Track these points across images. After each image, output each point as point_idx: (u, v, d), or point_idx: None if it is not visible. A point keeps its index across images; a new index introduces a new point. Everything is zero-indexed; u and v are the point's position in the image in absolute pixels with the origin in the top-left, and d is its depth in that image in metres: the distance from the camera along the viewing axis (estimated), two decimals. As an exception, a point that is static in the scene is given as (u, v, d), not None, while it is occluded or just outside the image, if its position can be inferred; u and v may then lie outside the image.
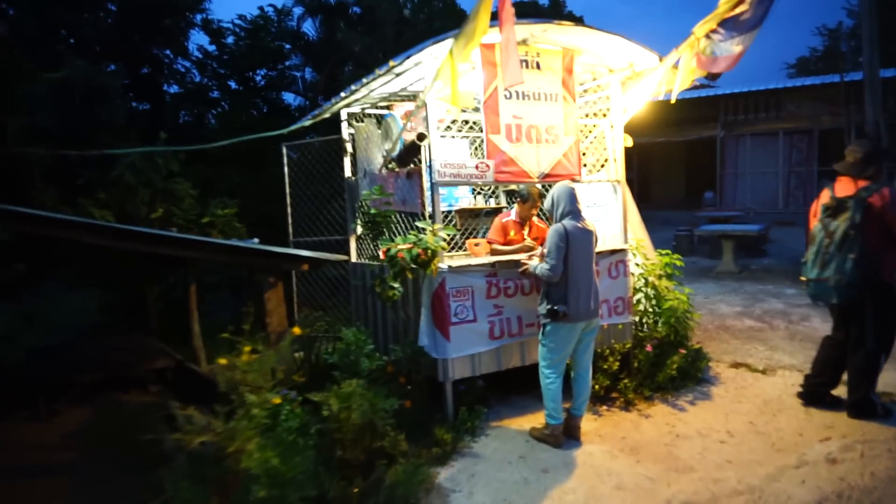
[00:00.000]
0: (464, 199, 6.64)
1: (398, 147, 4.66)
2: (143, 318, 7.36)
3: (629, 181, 5.27)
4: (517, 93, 4.51)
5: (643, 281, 5.30)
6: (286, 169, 6.66)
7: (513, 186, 6.29)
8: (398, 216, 4.95)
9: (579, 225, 3.96)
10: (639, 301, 5.28)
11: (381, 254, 4.34)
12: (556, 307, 3.88)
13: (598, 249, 4.25)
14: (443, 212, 6.52)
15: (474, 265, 4.40)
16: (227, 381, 2.86)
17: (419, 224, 4.17)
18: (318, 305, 7.29)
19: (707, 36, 4.34)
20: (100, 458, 4.27)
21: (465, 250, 6.05)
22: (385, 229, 4.44)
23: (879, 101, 9.49)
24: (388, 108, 5.69)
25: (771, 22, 4.18)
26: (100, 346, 7.25)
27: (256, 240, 5.19)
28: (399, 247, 4.01)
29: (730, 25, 4.22)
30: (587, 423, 4.33)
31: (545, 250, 4.00)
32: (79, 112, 6.33)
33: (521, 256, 4.46)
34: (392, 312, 4.97)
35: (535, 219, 5.22)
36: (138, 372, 6.34)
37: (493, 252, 4.97)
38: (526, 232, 5.15)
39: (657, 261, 5.44)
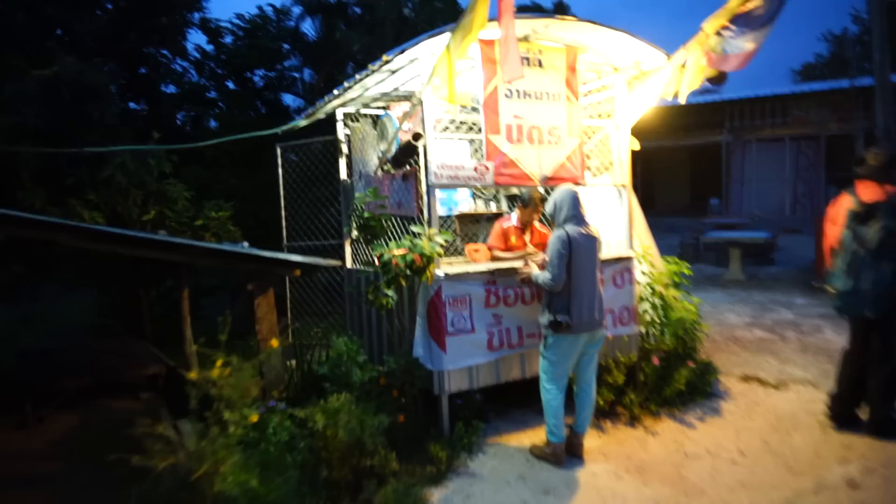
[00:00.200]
0: (463, 203, 6.44)
1: (394, 148, 4.45)
2: (139, 321, 7.20)
3: (633, 187, 5.05)
4: (518, 91, 4.30)
5: (650, 290, 5.06)
6: (280, 170, 6.47)
7: (514, 190, 6.08)
8: (394, 220, 4.74)
9: (583, 231, 3.75)
10: (645, 311, 5.05)
11: (374, 259, 4.12)
12: (558, 317, 3.65)
13: (602, 257, 4.03)
14: (441, 216, 6.36)
15: (472, 272, 4.18)
16: (202, 396, 2.64)
17: (414, 229, 3.96)
18: (315, 311, 7.09)
19: (717, 33, 4.12)
20: (79, 472, 4.07)
21: (464, 256, 5.85)
22: (379, 234, 4.23)
23: (891, 105, 9.26)
24: (386, 108, 5.49)
25: (776, 27, 3.96)
26: (90, 351, 7.08)
27: (246, 244, 4.97)
28: (393, 252, 3.79)
29: (741, 21, 4.00)
30: (591, 440, 4.10)
31: (546, 257, 3.79)
32: (68, 110, 6.15)
33: (522, 264, 4.24)
34: (387, 321, 4.76)
35: (536, 224, 5.00)
36: (129, 378, 6.17)
37: (494, 259, 4.75)
38: (527, 237, 4.93)
39: (664, 269, 5.21)
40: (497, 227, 4.96)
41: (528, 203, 4.78)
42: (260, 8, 10.40)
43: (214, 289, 9.03)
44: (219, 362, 2.75)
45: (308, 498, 2.97)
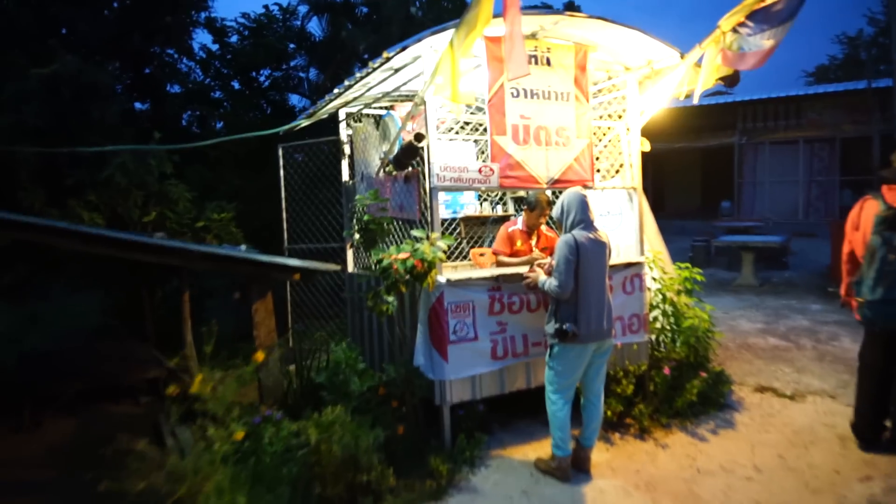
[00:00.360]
0: (469, 205, 6.30)
1: (396, 149, 4.30)
2: (142, 323, 7.12)
3: (643, 189, 4.87)
4: (525, 91, 4.14)
5: (660, 297, 4.89)
6: (282, 171, 6.34)
7: (521, 192, 5.93)
8: (395, 224, 4.60)
9: (591, 236, 3.58)
10: (655, 318, 4.88)
11: (374, 264, 3.98)
12: (564, 326, 3.49)
13: (611, 262, 3.86)
14: (447, 219, 6.22)
15: (475, 278, 4.03)
16: (182, 412, 2.51)
17: (415, 233, 3.81)
18: (319, 314, 6.96)
19: (734, 30, 3.95)
20: (67, 484, 3.95)
21: (470, 260, 5.70)
22: (379, 238, 4.08)
23: (910, 107, 9.01)
24: (390, 108, 5.34)
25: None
26: (91, 354, 7.00)
27: (244, 247, 4.85)
28: (393, 257, 3.64)
29: (759, 18, 3.82)
30: (598, 454, 3.94)
31: (553, 263, 3.62)
32: (68, 109, 6.05)
33: (528, 269, 4.07)
34: (387, 328, 4.61)
35: (543, 227, 4.84)
36: (129, 382, 6.09)
37: (499, 264, 4.59)
38: (534, 242, 4.77)
39: (675, 275, 5.03)
40: (502, 231, 4.80)
41: (534, 206, 4.62)
42: (266, 7, 10.32)
43: (220, 290, 8.95)
44: (198, 378, 2.61)
45: (300, 515, 2.83)
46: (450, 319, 3.87)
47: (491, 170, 4.02)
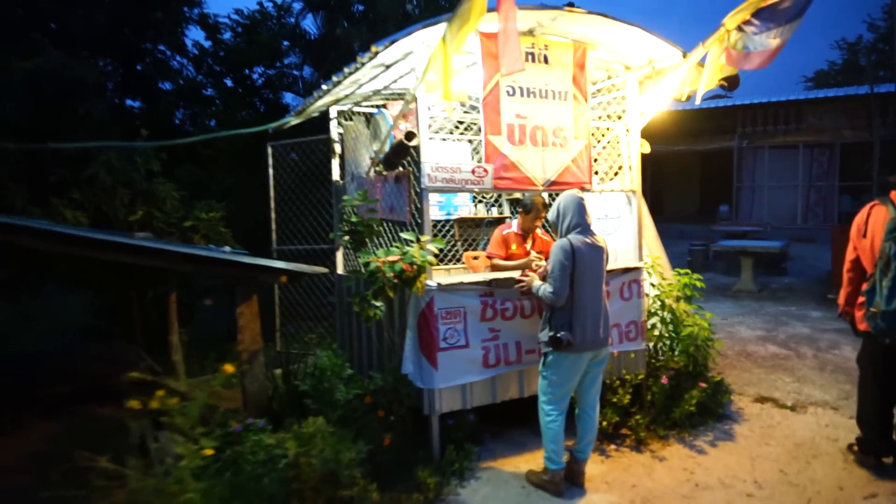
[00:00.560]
0: (463, 207, 6.15)
1: (387, 148, 4.15)
2: (131, 324, 6.98)
3: (642, 192, 4.73)
4: (521, 89, 3.99)
5: (659, 303, 4.75)
6: (271, 170, 6.18)
7: (517, 194, 5.78)
8: (385, 226, 4.44)
9: (588, 240, 3.43)
10: (654, 326, 4.73)
11: (361, 267, 3.83)
12: (559, 334, 3.34)
13: (609, 267, 3.72)
14: (440, 221, 6.07)
15: (467, 283, 3.87)
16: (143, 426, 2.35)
17: (404, 235, 3.66)
18: (310, 315, 6.80)
19: (739, 28, 3.80)
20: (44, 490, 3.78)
21: (464, 263, 5.55)
22: (368, 240, 3.93)
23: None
24: (383, 107, 5.19)
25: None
26: (76, 355, 6.85)
27: (227, 248, 4.69)
28: (381, 260, 3.49)
29: (766, 16, 3.68)
30: (593, 466, 3.79)
31: (548, 268, 3.47)
32: (52, 105, 5.88)
33: (519, 274, 3.92)
34: (375, 334, 4.46)
35: (538, 231, 4.69)
36: (115, 384, 5.93)
37: (494, 267, 4.44)
38: (529, 245, 4.61)
39: (675, 280, 4.89)
40: (497, 233, 4.65)
41: (529, 209, 4.47)
42: (260, 3, 10.15)
43: (213, 290, 8.78)
44: (159, 392, 2.45)
45: (278, 533, 2.67)
46: (440, 326, 3.71)
47: (485, 170, 3.87)
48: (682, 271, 4.91)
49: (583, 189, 4.18)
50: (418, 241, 3.60)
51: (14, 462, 4.39)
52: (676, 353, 4.66)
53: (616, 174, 4.81)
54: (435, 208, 5.91)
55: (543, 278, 3.57)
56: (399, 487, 3.41)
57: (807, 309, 8.49)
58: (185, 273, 6.16)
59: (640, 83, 4.69)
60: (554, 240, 3.65)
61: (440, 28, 3.30)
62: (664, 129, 10.56)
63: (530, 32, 4.07)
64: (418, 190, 3.79)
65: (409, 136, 3.70)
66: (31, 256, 6.31)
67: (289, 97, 10.62)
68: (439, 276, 4.02)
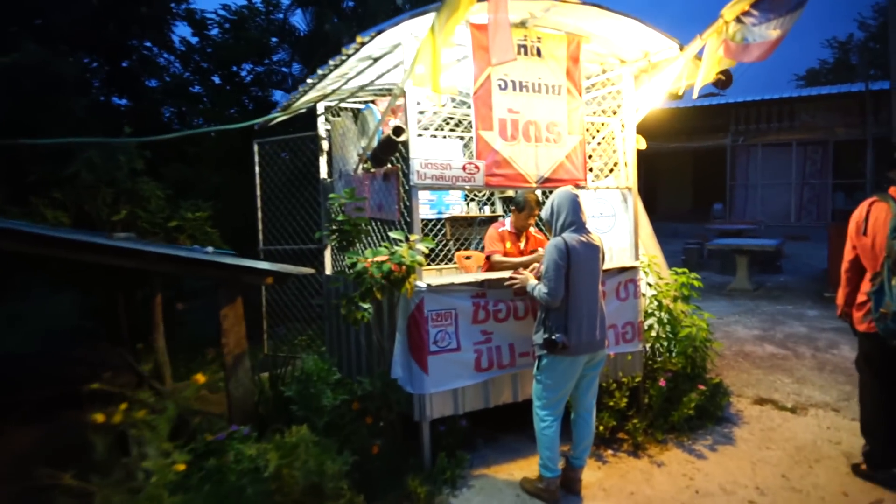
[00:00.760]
0: (455, 205, 6.02)
1: (374, 144, 4.01)
2: (117, 326, 6.80)
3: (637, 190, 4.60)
4: (513, 83, 3.86)
5: (656, 304, 4.62)
6: (257, 168, 6.02)
7: (510, 192, 5.65)
8: (374, 225, 4.30)
9: (583, 239, 3.30)
10: (651, 327, 4.60)
11: (347, 268, 3.68)
12: (554, 337, 3.21)
13: (604, 267, 3.59)
14: (432, 220, 5.93)
15: (458, 284, 3.73)
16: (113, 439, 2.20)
17: (393, 234, 3.52)
18: (301, 317, 6.65)
19: (738, 19, 3.67)
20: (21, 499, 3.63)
21: (456, 264, 5.41)
22: (355, 239, 3.78)
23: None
24: (372, 103, 5.04)
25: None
26: (61, 358, 6.69)
27: (210, 248, 4.53)
28: (368, 261, 3.34)
29: (766, 6, 3.55)
30: (589, 472, 3.66)
31: (542, 268, 3.34)
32: (31, 102, 5.69)
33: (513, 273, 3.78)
34: (364, 337, 4.31)
35: (532, 229, 4.56)
36: (99, 388, 5.76)
37: (495, 265, 4.29)
38: (522, 244, 4.48)
39: (672, 280, 4.77)
40: (492, 231, 4.50)
41: (522, 207, 4.34)
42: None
43: (203, 291, 8.61)
44: (122, 406, 2.30)
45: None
46: (430, 328, 3.57)
47: (476, 167, 3.74)
48: (679, 270, 4.79)
49: (577, 186, 4.06)
50: (407, 240, 3.46)
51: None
52: (674, 354, 4.54)
53: (611, 171, 4.68)
54: (426, 207, 5.78)
55: (538, 278, 3.44)
56: (388, 497, 3.28)
57: (803, 307, 8.40)
58: (169, 274, 6.01)
59: (635, 77, 4.57)
60: (548, 238, 3.52)
61: (429, 18, 3.16)
62: (657, 126, 10.50)
63: (522, 24, 3.94)
64: (407, 187, 3.65)
65: (398, 131, 3.55)
66: (18, 257, 6.16)
67: (278, 95, 10.46)
68: (430, 277, 3.89)
